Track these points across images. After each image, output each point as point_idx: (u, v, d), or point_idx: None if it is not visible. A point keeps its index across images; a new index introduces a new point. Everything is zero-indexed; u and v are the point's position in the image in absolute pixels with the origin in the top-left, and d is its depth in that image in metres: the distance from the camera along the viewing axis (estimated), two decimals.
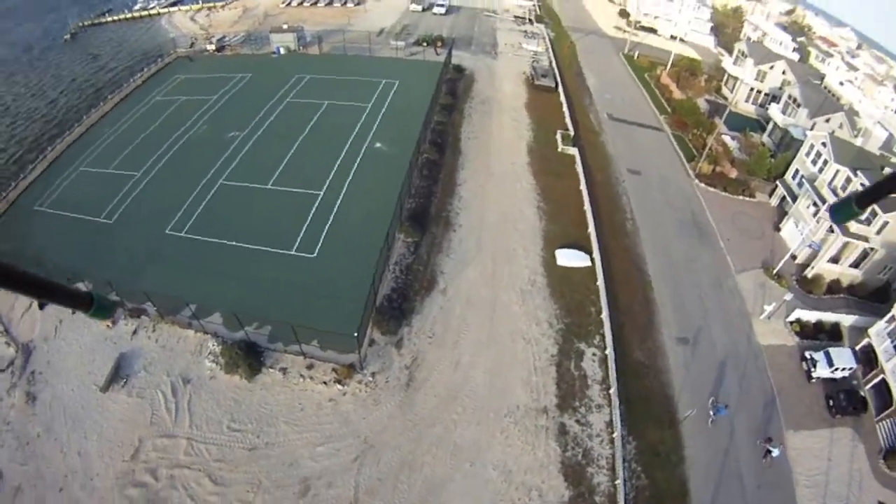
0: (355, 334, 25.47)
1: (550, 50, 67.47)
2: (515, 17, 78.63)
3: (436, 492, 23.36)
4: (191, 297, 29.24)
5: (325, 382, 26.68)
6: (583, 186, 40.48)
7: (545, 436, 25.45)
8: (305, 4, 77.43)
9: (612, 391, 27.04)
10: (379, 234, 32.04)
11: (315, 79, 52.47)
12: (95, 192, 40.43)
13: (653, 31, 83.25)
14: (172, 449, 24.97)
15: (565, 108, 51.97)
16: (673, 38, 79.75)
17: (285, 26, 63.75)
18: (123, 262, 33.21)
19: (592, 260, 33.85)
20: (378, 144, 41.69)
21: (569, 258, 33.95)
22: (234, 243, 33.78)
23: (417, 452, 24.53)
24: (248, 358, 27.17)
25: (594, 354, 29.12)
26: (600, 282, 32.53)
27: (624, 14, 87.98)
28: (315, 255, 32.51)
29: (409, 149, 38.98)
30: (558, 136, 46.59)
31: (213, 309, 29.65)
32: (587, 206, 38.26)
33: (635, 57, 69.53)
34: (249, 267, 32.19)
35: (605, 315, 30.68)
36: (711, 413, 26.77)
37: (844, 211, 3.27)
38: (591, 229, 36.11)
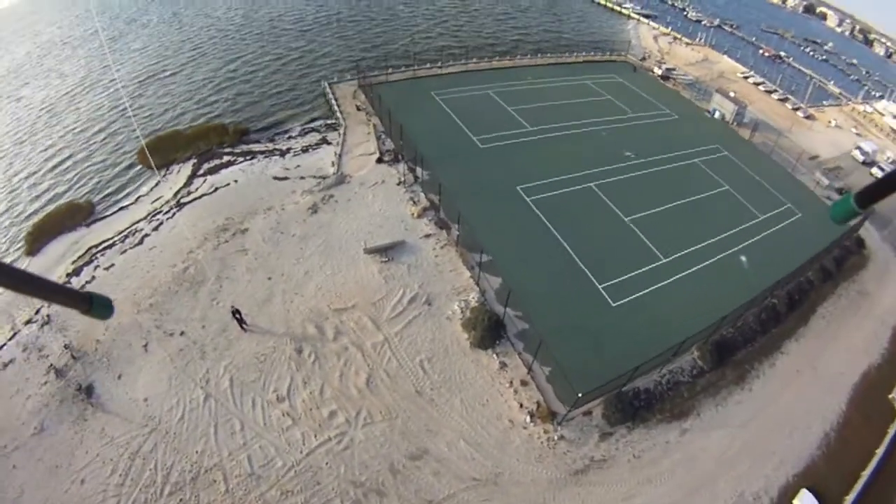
0: (579, 395, 23.99)
1: None
2: None
3: None
4: (491, 248, 31.84)
5: (521, 405, 25.82)
6: (881, 450, 31.93)
7: None
8: (760, 88, 73.41)
9: None
10: (680, 331, 29.21)
11: (729, 159, 49.70)
12: (484, 115, 47.40)
13: None
14: (368, 333, 27.51)
15: None
16: None
17: (732, 94, 61.48)
18: (465, 180, 38.27)
19: None
20: (743, 258, 38.07)
21: None
22: (560, 240, 34.68)
23: None
24: (487, 331, 27.60)
25: None
26: None
27: None
28: (614, 305, 31.30)
29: (767, 284, 34.96)
30: None
31: (497, 273, 31.13)
32: (867, 473, 30.13)
33: None
34: (555, 267, 32.81)
35: None
36: None
37: (843, 210, 3.26)
38: (851, 498, 28.27)
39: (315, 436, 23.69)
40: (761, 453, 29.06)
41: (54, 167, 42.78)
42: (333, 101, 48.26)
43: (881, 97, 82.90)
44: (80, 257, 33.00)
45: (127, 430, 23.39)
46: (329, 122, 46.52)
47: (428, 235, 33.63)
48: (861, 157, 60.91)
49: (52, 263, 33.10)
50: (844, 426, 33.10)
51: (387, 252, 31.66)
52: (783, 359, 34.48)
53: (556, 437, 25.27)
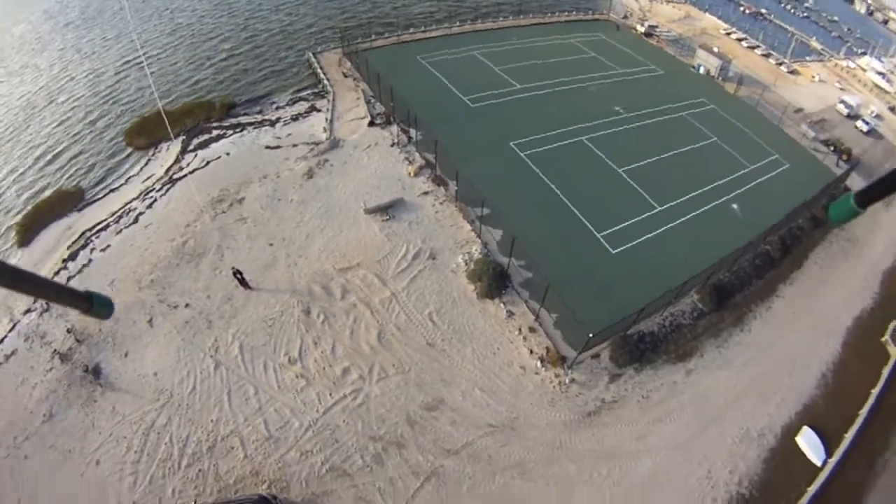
0: (590, 335, 24.22)
1: None
2: None
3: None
4: (489, 202, 31.70)
5: (531, 351, 26.10)
6: (876, 389, 32.53)
7: None
8: (743, 44, 73.51)
9: None
10: (679, 276, 29.64)
11: (716, 112, 50.03)
12: (472, 76, 47.38)
13: None
14: (375, 290, 27.57)
15: None
16: None
17: (716, 49, 61.65)
18: (458, 138, 38.27)
19: (825, 464, 26.95)
20: (735, 206, 38.64)
21: (809, 443, 27.48)
22: (557, 191, 35.01)
23: (533, 469, 22.63)
24: (493, 281, 27.77)
25: None
26: (812, 490, 25.37)
27: None
28: (614, 252, 31.74)
29: (760, 230, 35.45)
30: (892, 326, 37.99)
31: (497, 225, 31.26)
32: (864, 411, 30.87)
33: None
34: (553, 218, 33.16)
35: None
36: None
37: (843, 210, 3.14)
38: (850, 435, 28.81)
39: (330, 394, 23.66)
40: (763, 392, 29.67)
41: (40, 160, 41.15)
42: (319, 70, 47.59)
43: (864, 53, 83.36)
44: (74, 242, 32.16)
45: (139, 407, 23.03)
46: (316, 90, 45.94)
47: (426, 193, 33.67)
48: (845, 111, 61.23)
49: (47, 252, 32.26)
50: (841, 367, 33.80)
51: (387, 210, 31.65)
52: (779, 302, 35.20)
53: (567, 381, 25.65)
